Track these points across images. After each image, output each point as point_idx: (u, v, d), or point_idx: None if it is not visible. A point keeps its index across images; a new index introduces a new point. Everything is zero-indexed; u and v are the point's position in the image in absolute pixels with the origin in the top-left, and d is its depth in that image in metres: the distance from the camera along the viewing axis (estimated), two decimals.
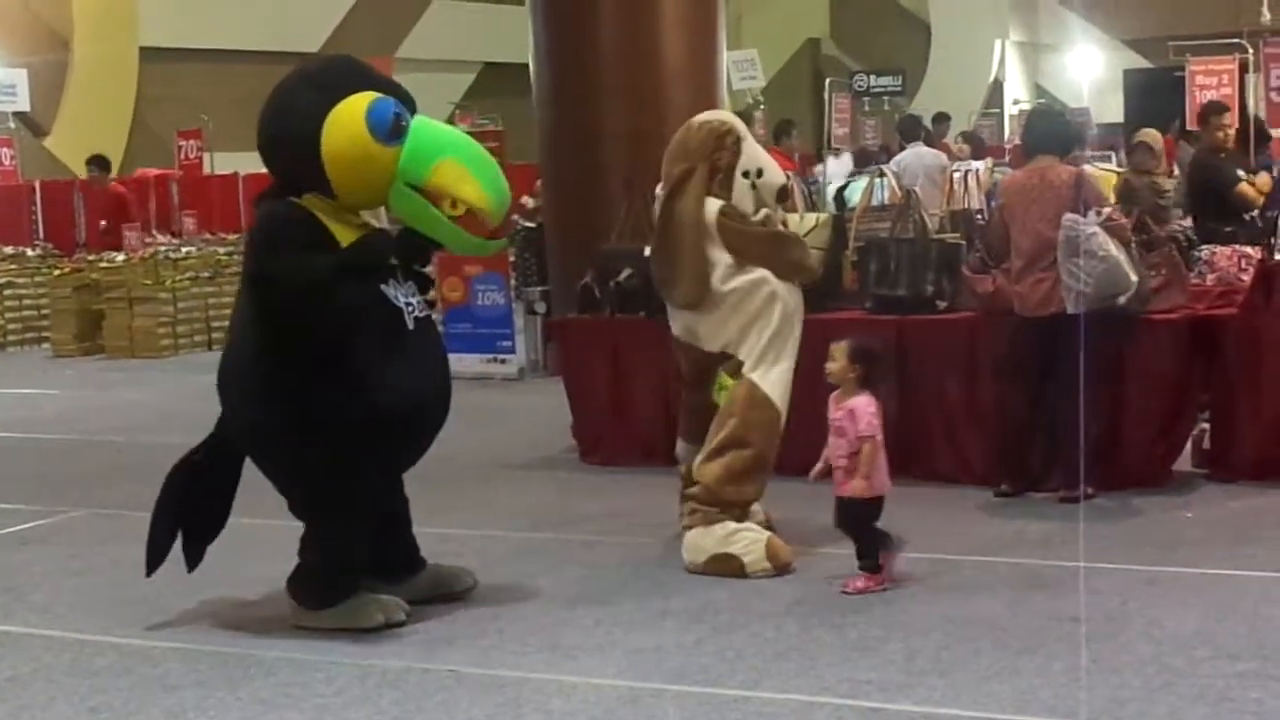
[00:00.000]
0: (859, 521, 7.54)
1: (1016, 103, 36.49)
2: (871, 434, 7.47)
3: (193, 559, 7.68)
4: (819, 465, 7.62)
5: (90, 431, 13.59)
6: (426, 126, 7.19)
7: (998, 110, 35.13)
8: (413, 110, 7.22)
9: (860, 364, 7.56)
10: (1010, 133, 30.44)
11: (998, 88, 37.84)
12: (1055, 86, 37.55)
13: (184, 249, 19.89)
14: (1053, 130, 9.70)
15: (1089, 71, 36.23)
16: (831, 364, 7.58)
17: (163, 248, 19.79)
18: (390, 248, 7.15)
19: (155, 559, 7.65)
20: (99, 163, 21.49)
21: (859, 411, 7.47)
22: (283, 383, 7.13)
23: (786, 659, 6.55)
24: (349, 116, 7.01)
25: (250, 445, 7.41)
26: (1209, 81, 15.71)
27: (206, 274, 19.48)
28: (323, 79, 7.24)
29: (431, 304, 7.46)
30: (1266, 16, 15.20)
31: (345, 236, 7.09)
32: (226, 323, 18.90)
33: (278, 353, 7.14)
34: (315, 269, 6.93)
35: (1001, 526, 8.37)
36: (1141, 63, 35.95)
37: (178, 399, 15.37)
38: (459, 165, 7.07)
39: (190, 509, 7.66)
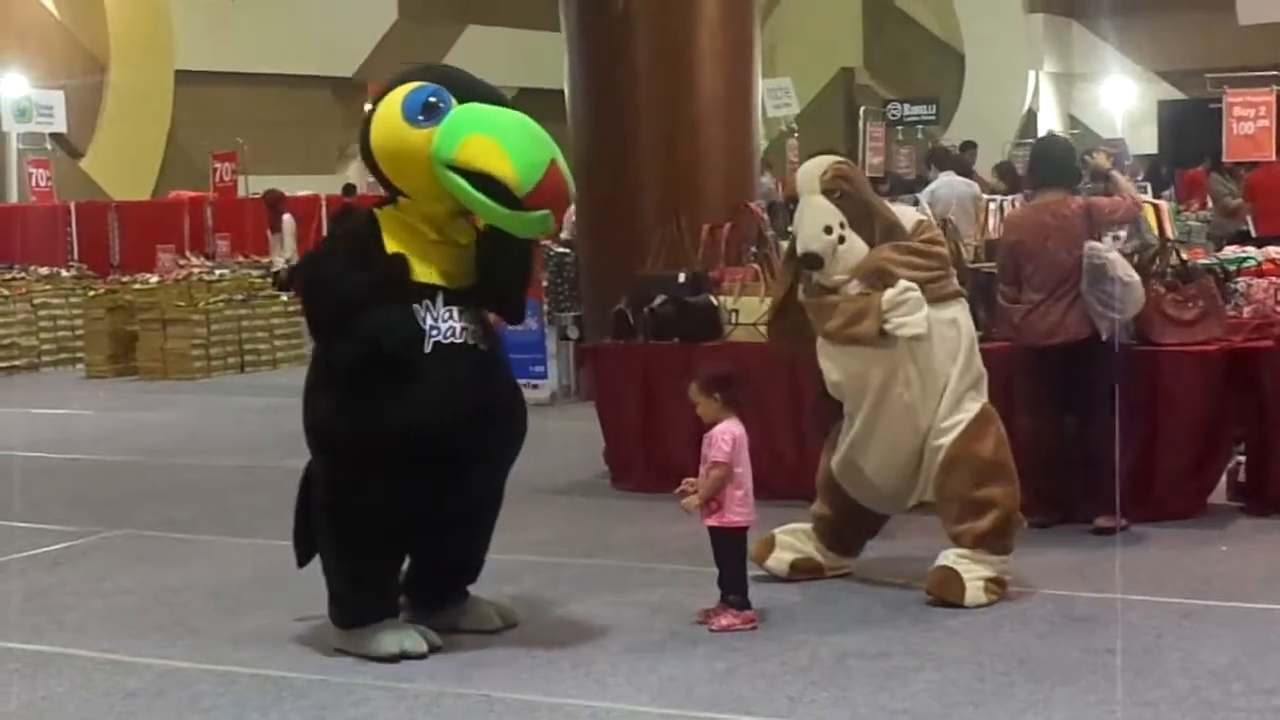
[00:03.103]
0: (718, 552, 7.50)
1: (1050, 133, 36.45)
2: (721, 459, 7.39)
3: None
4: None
5: (123, 452, 13.62)
6: (470, 107, 7.13)
7: (1032, 141, 35.05)
8: (494, 100, 7.22)
9: (717, 392, 7.52)
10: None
11: (1031, 118, 37.80)
12: (1089, 117, 37.51)
13: (217, 271, 19.91)
14: (1060, 163, 9.69)
15: (1123, 103, 36.23)
16: (697, 409, 7.57)
17: (196, 270, 19.83)
18: (401, 271, 7.08)
19: (305, 552, 7.58)
20: None
21: (714, 438, 7.44)
22: (316, 397, 7.24)
23: (821, 688, 6.53)
24: (389, 107, 7.14)
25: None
26: (1247, 113, 15.64)
27: (240, 297, 19.54)
28: (387, 85, 7.35)
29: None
30: None
31: (402, 251, 7.12)
32: (259, 345, 19.30)
33: (318, 366, 7.26)
34: (341, 285, 6.99)
35: (1035, 558, 8.32)
36: (1175, 94, 35.96)
37: (211, 421, 15.44)
38: (486, 138, 6.99)
39: None
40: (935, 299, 7.77)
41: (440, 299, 7.15)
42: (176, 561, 9.30)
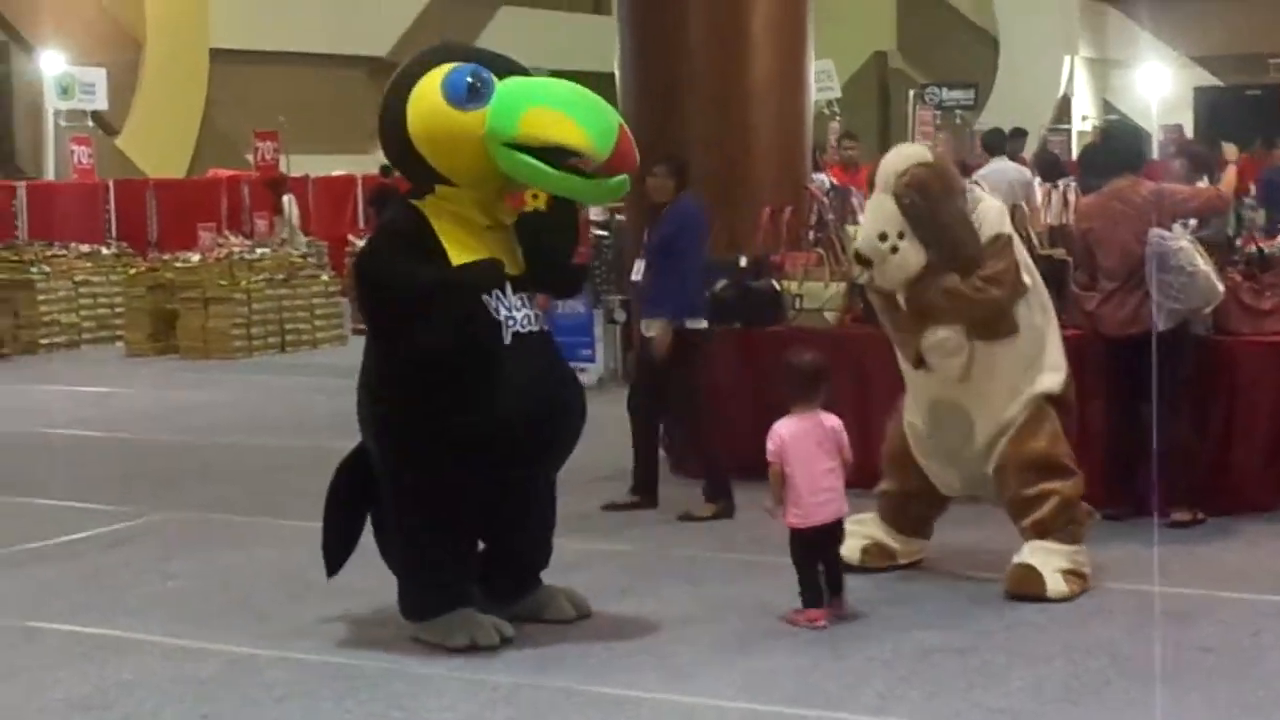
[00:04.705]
0: (791, 550, 7.35)
1: (1085, 118, 36.26)
2: (768, 459, 7.27)
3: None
4: None
5: (169, 431, 13.52)
6: (514, 82, 6.97)
7: (1067, 126, 34.88)
8: (520, 74, 7.05)
9: (786, 383, 7.42)
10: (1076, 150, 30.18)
11: (1066, 103, 37.58)
12: (1124, 103, 37.27)
13: (258, 250, 19.80)
14: (1128, 148, 9.53)
15: (1158, 89, 35.98)
16: None
17: (237, 249, 19.72)
18: (495, 274, 6.95)
19: (335, 560, 7.44)
20: None
21: (770, 434, 7.33)
22: (381, 394, 7.06)
23: (909, 684, 6.39)
24: (426, 92, 6.94)
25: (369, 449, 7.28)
26: None
27: (281, 276, 19.41)
28: (405, 68, 7.18)
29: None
30: None
31: (458, 241, 6.97)
32: (299, 325, 19.20)
33: (381, 363, 7.09)
34: (412, 281, 6.83)
35: (1112, 551, 8.17)
36: (1211, 80, 35.72)
37: (254, 401, 15.33)
38: (548, 110, 6.83)
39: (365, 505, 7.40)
40: (988, 337, 7.63)
41: (509, 287, 7.02)
42: (235, 544, 9.19)
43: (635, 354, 10.00)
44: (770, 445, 7.26)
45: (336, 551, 7.42)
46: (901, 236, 7.52)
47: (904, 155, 7.77)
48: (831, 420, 7.27)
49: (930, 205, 7.52)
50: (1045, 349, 7.82)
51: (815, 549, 7.27)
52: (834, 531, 7.29)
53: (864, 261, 7.68)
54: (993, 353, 7.66)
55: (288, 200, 22.91)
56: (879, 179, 7.70)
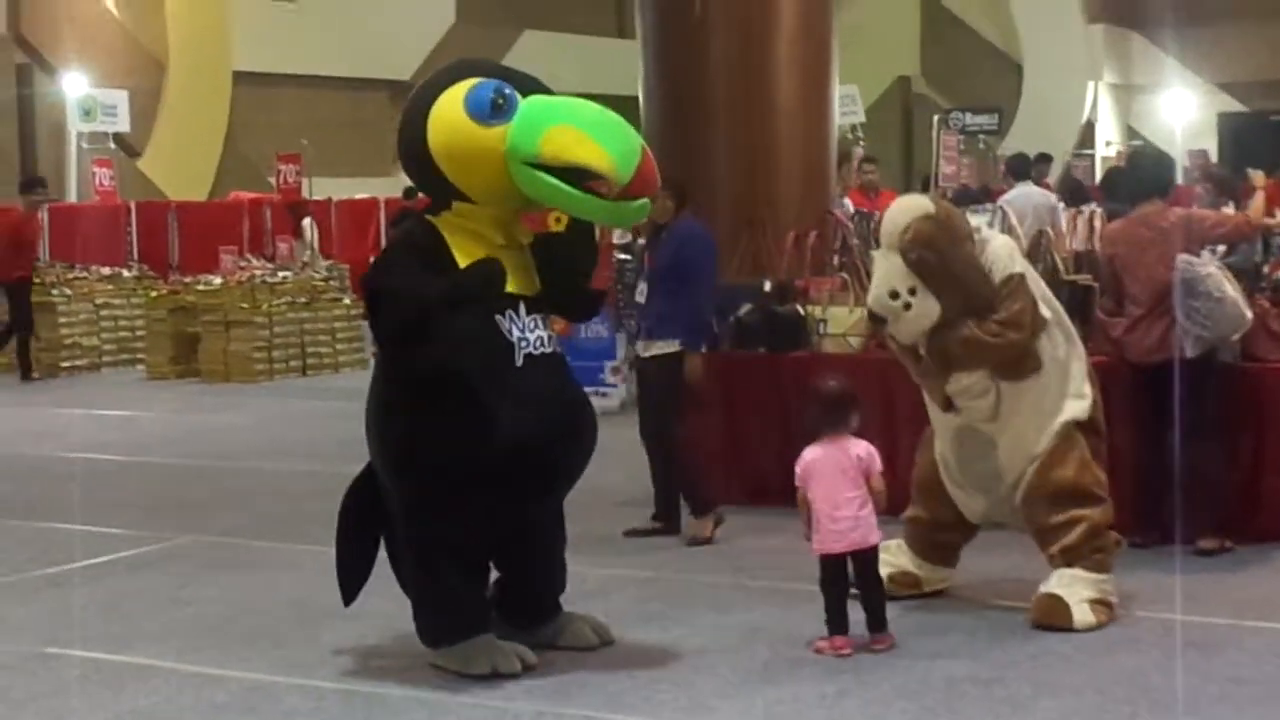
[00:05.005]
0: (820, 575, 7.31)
1: (1109, 144, 36.15)
2: (797, 485, 7.29)
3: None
4: None
5: (190, 455, 13.48)
6: (538, 100, 6.90)
7: (1090, 151, 34.78)
8: (542, 92, 6.99)
9: (809, 409, 7.43)
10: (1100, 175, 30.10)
11: (1089, 129, 37.48)
12: (1148, 129, 37.16)
13: (280, 273, 19.78)
14: (1154, 173, 9.46)
15: (1182, 115, 35.87)
16: None
17: (259, 272, 19.70)
18: (497, 276, 6.85)
19: (352, 587, 7.35)
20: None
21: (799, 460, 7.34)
22: (390, 413, 7.00)
23: (935, 714, 6.31)
24: (448, 107, 6.86)
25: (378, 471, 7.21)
26: None
27: (303, 299, 19.39)
28: (427, 82, 7.12)
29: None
30: None
31: (475, 256, 6.89)
32: (321, 349, 19.17)
33: (389, 381, 7.02)
34: (421, 293, 6.76)
35: (1139, 580, 8.07)
36: (1235, 106, 35.60)
37: (276, 425, 15.29)
38: (571, 129, 6.75)
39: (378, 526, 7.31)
40: (1011, 377, 7.56)
41: (523, 308, 6.96)
42: (255, 569, 9.14)
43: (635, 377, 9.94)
44: (797, 470, 7.23)
45: (352, 577, 7.33)
46: (913, 292, 7.44)
47: (905, 209, 7.60)
48: (859, 448, 7.19)
49: (938, 257, 7.42)
50: (1070, 377, 7.73)
51: (840, 576, 7.19)
52: (864, 560, 7.21)
53: (878, 320, 7.67)
54: (1019, 391, 7.59)
55: (308, 223, 22.90)
56: (883, 236, 7.63)
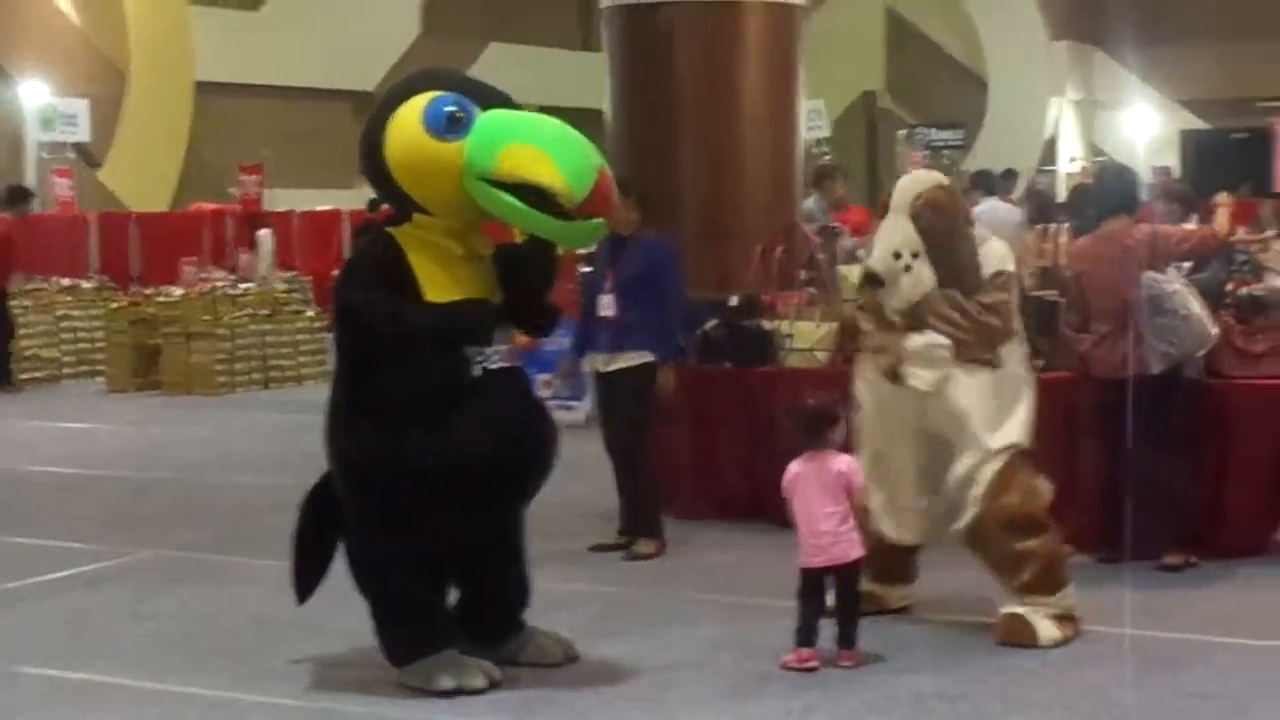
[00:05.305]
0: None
1: (1072, 160, 36.29)
2: (784, 497, 7.31)
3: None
4: None
5: (151, 469, 13.38)
6: (496, 115, 6.84)
7: (1053, 167, 34.92)
8: (504, 105, 6.94)
9: (789, 423, 7.42)
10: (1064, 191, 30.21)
11: (1053, 145, 37.64)
12: (1110, 145, 37.34)
13: (242, 285, 19.68)
14: (1121, 190, 9.44)
15: (1144, 131, 36.05)
16: None
17: (220, 284, 19.60)
18: (489, 322, 6.88)
19: (306, 586, 7.37)
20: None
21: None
22: (349, 427, 6.95)
23: None
24: (407, 120, 6.81)
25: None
26: None
27: (265, 311, 19.28)
28: (389, 93, 7.08)
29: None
30: None
31: (431, 272, 6.85)
32: (283, 361, 19.04)
33: (350, 395, 6.97)
34: (405, 321, 6.73)
35: (1105, 595, 8.07)
36: (1197, 124, 35.78)
37: (237, 438, 15.19)
38: (528, 147, 6.69)
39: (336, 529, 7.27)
40: (969, 360, 7.53)
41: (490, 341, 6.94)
42: (216, 585, 9.07)
43: (597, 392, 9.88)
44: (783, 485, 7.27)
45: (306, 577, 7.33)
46: (916, 256, 7.50)
47: (920, 179, 7.83)
48: (841, 463, 7.18)
49: (946, 225, 7.57)
50: (1019, 405, 7.67)
51: (817, 591, 7.18)
52: (843, 576, 7.18)
53: (875, 281, 7.64)
54: (968, 382, 7.51)
55: (265, 234, 22.71)
56: (894, 202, 7.69)
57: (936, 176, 7.94)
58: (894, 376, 7.58)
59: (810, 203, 17.18)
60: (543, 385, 10.28)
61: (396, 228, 6.98)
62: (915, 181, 7.80)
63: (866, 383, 7.81)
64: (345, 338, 7.01)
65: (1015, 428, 7.62)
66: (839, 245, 12.51)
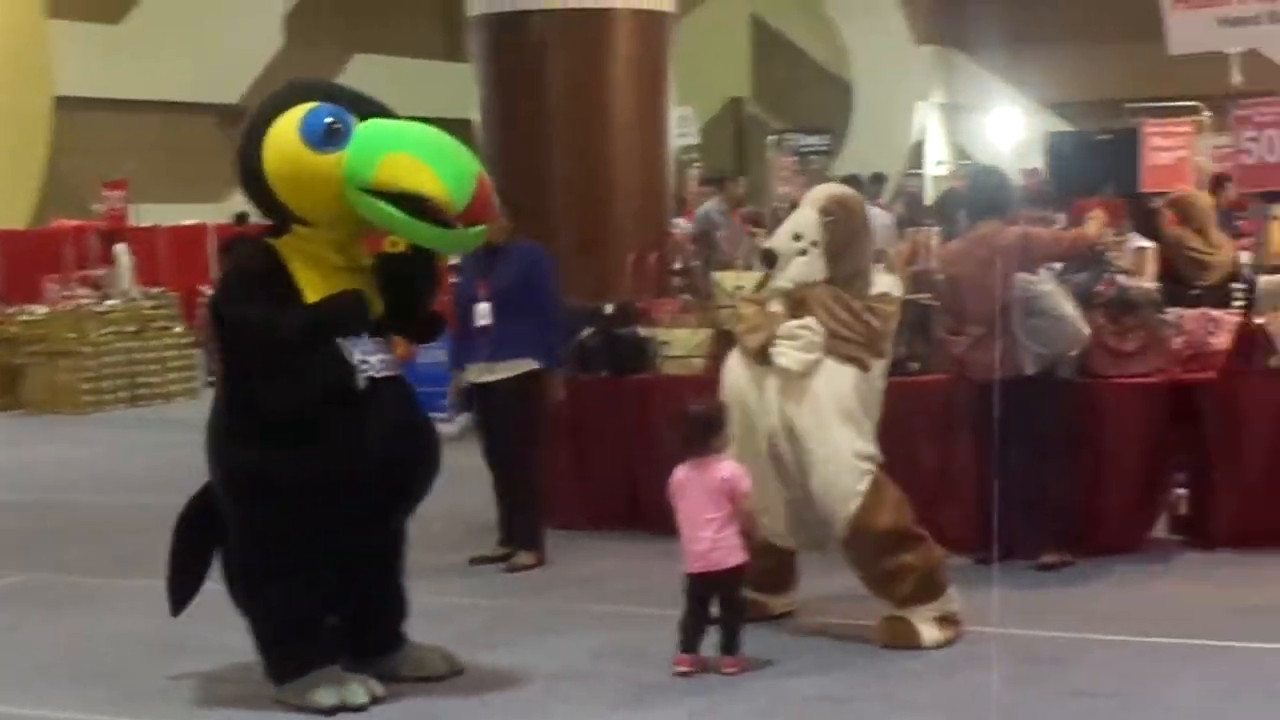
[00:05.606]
0: None
1: (939, 163, 36.59)
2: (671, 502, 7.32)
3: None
4: None
5: (16, 490, 13.16)
6: (374, 125, 6.80)
7: (920, 171, 35.19)
8: (381, 114, 6.89)
9: (675, 431, 7.40)
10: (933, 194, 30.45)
11: (919, 148, 37.93)
12: (976, 148, 37.68)
13: (107, 302, 19.40)
14: (993, 193, 9.52)
15: (1010, 134, 36.41)
16: None
17: (85, 301, 19.30)
18: (359, 309, 6.82)
19: (181, 597, 7.30)
20: None
21: None
22: (232, 439, 6.87)
23: None
24: (283, 132, 6.76)
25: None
26: (1166, 144, 15.64)
27: (131, 328, 19.02)
28: (264, 104, 7.00)
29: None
30: (1237, 79, 15.19)
31: (312, 282, 6.80)
32: (151, 379, 18.74)
33: (232, 406, 6.90)
34: (279, 325, 6.65)
35: (985, 595, 8.11)
36: (1061, 126, 36.18)
37: (105, 458, 14.99)
38: (406, 156, 6.66)
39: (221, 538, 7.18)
40: (840, 354, 7.55)
41: (364, 331, 6.86)
42: (90, 606, 8.93)
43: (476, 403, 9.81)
44: (669, 487, 7.26)
45: (181, 591, 7.26)
46: (814, 245, 7.63)
47: (834, 185, 8.39)
48: (725, 469, 7.16)
49: (849, 225, 7.74)
50: (870, 421, 7.71)
51: (698, 595, 7.16)
52: (722, 581, 7.15)
53: (770, 258, 7.76)
54: (834, 375, 7.52)
55: (121, 248, 22.30)
56: (807, 198, 8.01)
57: (850, 189, 8.37)
58: (763, 355, 7.58)
59: (710, 205, 17.23)
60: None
61: (277, 239, 6.91)
62: (830, 186, 8.26)
63: (733, 374, 7.78)
64: (226, 351, 6.92)
65: (868, 441, 7.64)
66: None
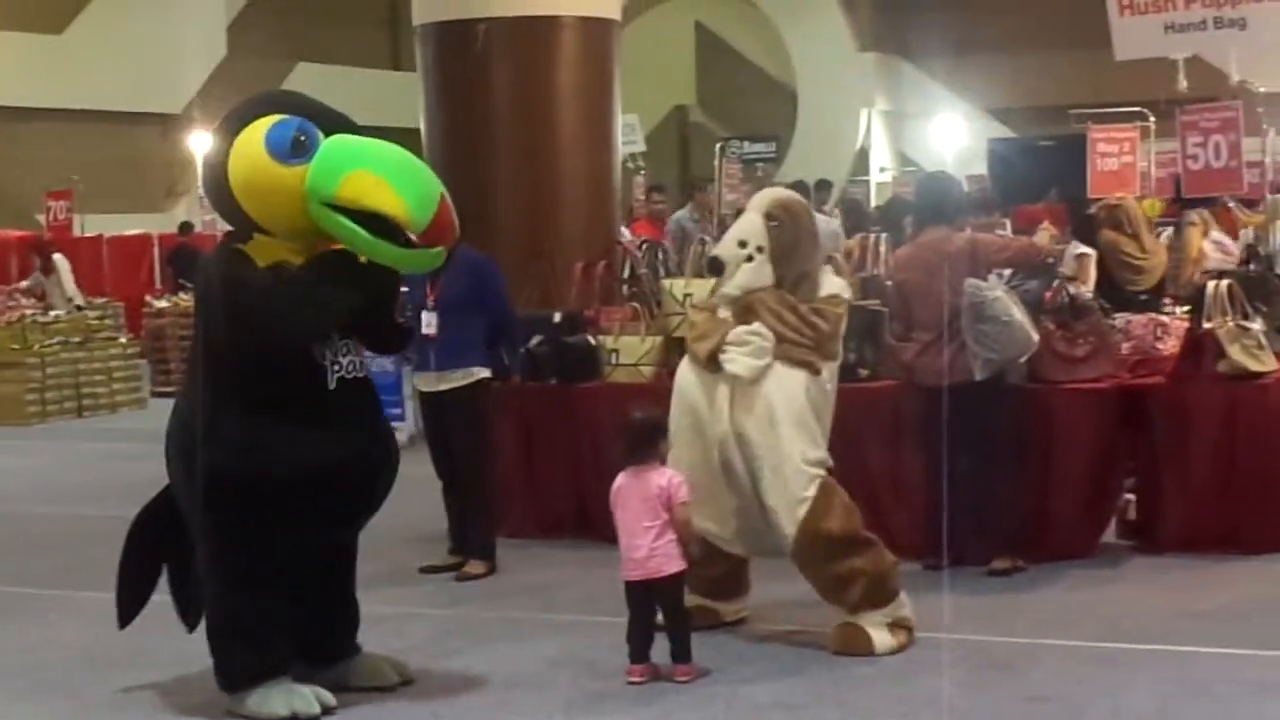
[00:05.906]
0: None
1: (883, 170, 36.73)
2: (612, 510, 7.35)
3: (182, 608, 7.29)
4: None
5: None
6: (340, 141, 6.78)
7: (865, 178, 35.32)
8: (348, 130, 6.87)
9: (618, 440, 7.42)
10: (876, 200, 30.53)
11: (864, 155, 38.06)
12: (920, 155, 37.82)
13: (52, 313, 19.26)
14: (942, 200, 9.54)
15: (953, 140, 36.55)
16: None
17: (29, 312, 19.16)
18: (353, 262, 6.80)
19: (129, 609, 7.28)
20: None
21: None
22: (200, 441, 6.81)
23: None
24: (249, 144, 6.75)
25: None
26: (1111, 149, 15.71)
27: (77, 339, 18.87)
28: (231, 114, 6.97)
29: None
30: (1183, 84, 15.27)
31: None
32: (97, 389, 18.59)
33: (216, 407, 6.82)
34: (293, 279, 6.68)
35: (935, 601, 8.13)
36: (1004, 132, 36.36)
37: (51, 469, 14.87)
38: (370, 175, 6.64)
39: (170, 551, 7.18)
40: (790, 359, 7.55)
41: (334, 332, 6.85)
42: (38, 618, 8.84)
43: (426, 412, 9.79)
44: (610, 495, 7.25)
45: (129, 603, 7.23)
46: (760, 251, 7.65)
47: (778, 190, 8.33)
48: (663, 478, 7.15)
49: (794, 229, 7.74)
50: (822, 425, 7.72)
51: (640, 603, 7.15)
52: (661, 589, 7.14)
53: (717, 266, 7.77)
54: (784, 379, 7.52)
55: (59, 259, 22.09)
56: (751, 203, 8.02)
57: (796, 194, 8.36)
58: (714, 362, 7.58)
59: (684, 213, 17.25)
60: None
61: (245, 244, 6.88)
62: (777, 191, 8.22)
63: (683, 380, 7.77)
64: (227, 334, 6.81)
65: (822, 444, 7.65)
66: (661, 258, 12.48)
